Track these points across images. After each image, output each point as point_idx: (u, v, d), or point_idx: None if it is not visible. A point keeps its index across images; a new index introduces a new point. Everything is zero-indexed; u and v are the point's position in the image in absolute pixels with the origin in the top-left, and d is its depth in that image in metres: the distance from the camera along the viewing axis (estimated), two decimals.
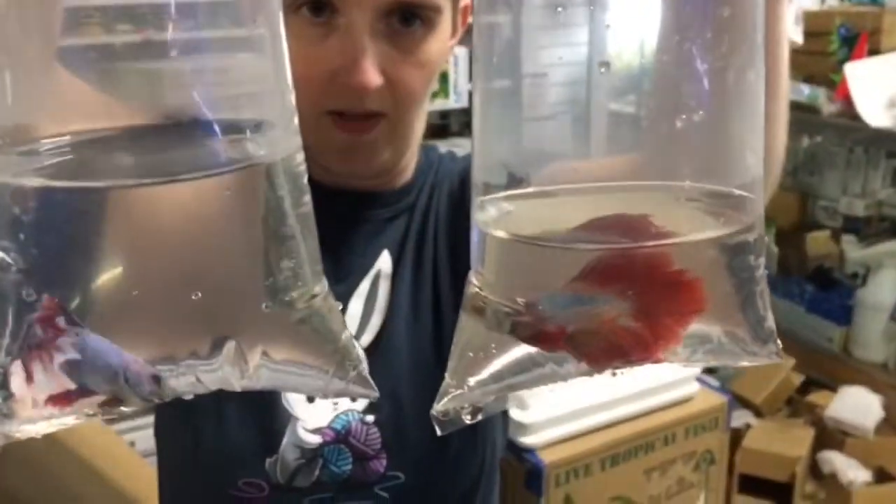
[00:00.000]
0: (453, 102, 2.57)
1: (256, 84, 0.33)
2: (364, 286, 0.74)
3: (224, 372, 0.31)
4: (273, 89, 0.33)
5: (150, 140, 0.31)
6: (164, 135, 0.31)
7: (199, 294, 0.30)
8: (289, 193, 0.33)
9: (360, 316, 0.73)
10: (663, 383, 1.68)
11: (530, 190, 0.34)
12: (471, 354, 0.34)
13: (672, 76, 0.33)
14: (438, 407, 0.34)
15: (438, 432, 0.34)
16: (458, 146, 1.24)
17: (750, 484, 2.12)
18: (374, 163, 0.71)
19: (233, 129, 0.32)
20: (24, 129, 0.31)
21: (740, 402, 2.30)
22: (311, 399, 0.71)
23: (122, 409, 0.32)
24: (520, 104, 0.35)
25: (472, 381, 0.33)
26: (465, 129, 3.31)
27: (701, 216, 0.33)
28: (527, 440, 1.56)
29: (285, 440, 0.70)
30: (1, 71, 0.30)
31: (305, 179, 0.34)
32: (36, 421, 0.31)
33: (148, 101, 0.31)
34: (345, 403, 0.71)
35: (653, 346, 0.31)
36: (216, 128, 0.31)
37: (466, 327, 0.34)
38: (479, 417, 0.33)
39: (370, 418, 0.71)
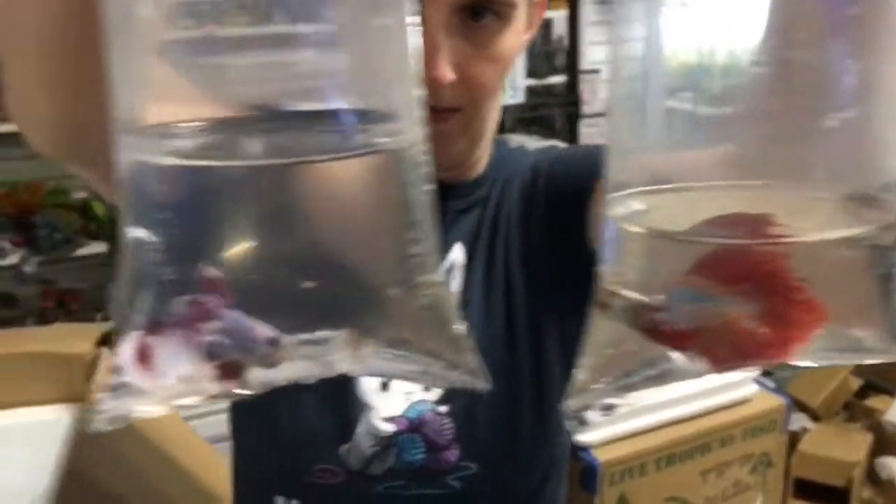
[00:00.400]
0: (509, 98, 2.57)
1: (383, 73, 0.33)
2: None
3: (333, 356, 0.31)
4: (399, 78, 0.34)
5: (282, 124, 0.32)
6: (295, 120, 0.32)
7: (327, 277, 0.30)
8: (416, 181, 0.33)
9: None
10: (721, 384, 1.66)
11: (668, 186, 0.34)
12: (604, 351, 0.34)
13: (810, 72, 0.33)
14: (571, 403, 0.34)
15: (568, 428, 0.34)
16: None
17: (806, 488, 2.09)
18: (449, 155, 0.72)
19: (362, 116, 0.32)
20: (161, 111, 0.32)
21: (797, 405, 2.27)
22: (385, 387, 0.72)
23: (239, 390, 0.32)
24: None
25: (604, 378, 0.33)
26: (518, 125, 3.31)
27: (838, 215, 0.33)
28: (582, 438, 1.56)
29: (360, 428, 0.71)
30: (140, 53, 0.31)
31: (428, 168, 0.34)
32: (163, 399, 0.32)
33: (280, 88, 0.32)
34: (418, 393, 0.72)
35: (778, 350, 0.31)
36: (345, 114, 0.31)
37: (599, 324, 0.34)
38: (610, 414, 0.33)
39: (443, 409, 0.72)
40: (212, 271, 0.30)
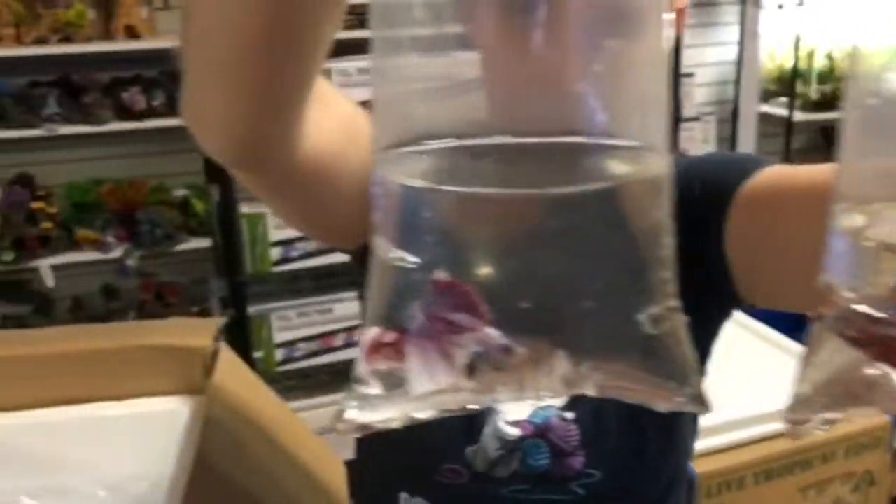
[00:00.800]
0: None
1: (641, 103, 0.34)
2: None
3: (552, 378, 0.32)
4: (655, 106, 0.34)
5: (536, 152, 0.33)
6: (546, 148, 0.33)
7: (580, 305, 0.31)
8: (666, 206, 0.34)
9: None
10: None
11: None
12: (827, 365, 0.34)
13: None
14: (788, 413, 0.34)
15: (791, 439, 0.35)
16: None
17: None
18: None
19: (617, 144, 0.33)
20: (418, 132, 0.33)
21: None
22: None
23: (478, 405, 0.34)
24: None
25: (826, 391, 0.34)
26: None
27: None
28: None
29: (486, 430, 0.72)
30: (400, 78, 0.32)
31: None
32: (405, 410, 0.33)
33: (544, 116, 0.33)
34: (544, 399, 0.72)
35: None
36: (598, 141, 0.32)
37: (823, 337, 0.34)
38: (826, 429, 0.33)
39: (569, 415, 0.72)
40: (465, 286, 0.32)
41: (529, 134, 0.32)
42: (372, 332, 0.34)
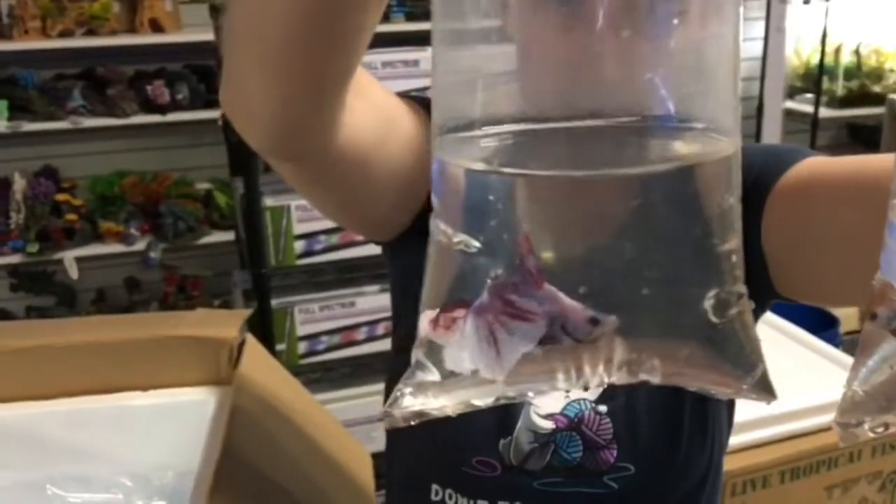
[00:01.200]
0: None
1: (714, 83, 0.33)
2: None
3: (613, 364, 0.32)
4: (728, 87, 0.33)
5: (600, 135, 0.32)
6: (611, 131, 0.32)
7: (645, 289, 0.31)
8: (734, 190, 0.33)
9: None
10: None
11: None
12: (881, 367, 0.33)
13: None
14: (840, 417, 0.34)
15: (840, 442, 0.34)
16: None
17: None
18: None
19: (685, 126, 0.32)
20: (480, 115, 0.32)
21: None
22: None
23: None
24: None
25: (879, 396, 0.33)
26: None
27: None
28: None
29: (519, 423, 0.72)
30: (462, 60, 0.32)
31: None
32: (459, 398, 0.33)
33: (612, 96, 0.32)
34: (577, 391, 0.72)
35: None
36: (666, 124, 0.32)
37: (880, 337, 0.33)
38: (882, 432, 0.32)
39: (603, 408, 0.72)
40: (531, 264, 0.31)
41: (593, 116, 0.31)
42: (430, 315, 0.33)
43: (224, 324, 1.13)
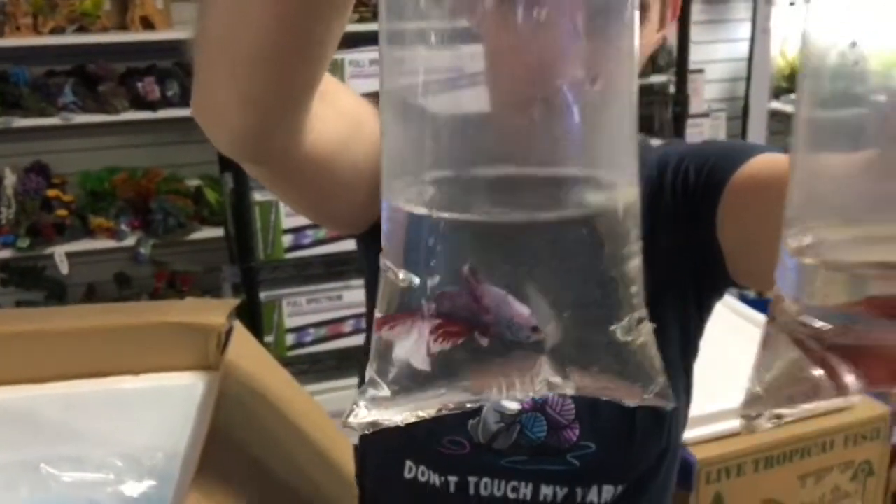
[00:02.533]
0: None
1: (611, 141, 0.39)
2: None
3: (537, 381, 0.37)
4: (625, 142, 0.39)
5: (520, 183, 0.37)
6: (530, 182, 0.38)
7: (561, 316, 0.36)
8: (633, 230, 0.39)
9: None
10: None
11: (840, 220, 0.37)
12: (777, 366, 0.38)
13: None
14: (742, 409, 0.38)
15: (742, 430, 0.38)
16: None
17: None
18: None
19: (588, 179, 0.38)
20: (451, 162, 0.37)
21: None
22: None
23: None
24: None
25: (775, 391, 0.37)
26: None
27: None
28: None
29: (487, 405, 0.76)
30: (410, 106, 0.36)
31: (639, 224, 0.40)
32: (409, 410, 0.38)
33: (524, 152, 0.37)
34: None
35: None
36: (574, 175, 0.38)
37: (774, 341, 0.38)
38: (776, 423, 0.37)
39: None
40: (474, 279, 0.36)
41: (513, 166, 0.37)
42: (380, 323, 0.38)
43: (213, 312, 1.16)
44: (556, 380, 0.38)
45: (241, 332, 1.15)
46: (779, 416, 0.38)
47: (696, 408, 1.54)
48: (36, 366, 1.12)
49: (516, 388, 0.38)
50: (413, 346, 0.37)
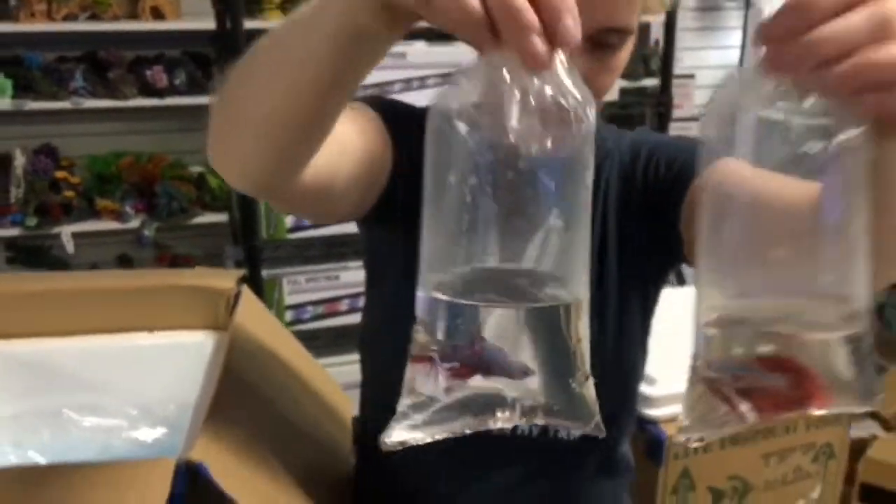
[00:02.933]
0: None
1: (568, 252, 0.54)
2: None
3: (514, 416, 0.53)
4: (578, 256, 0.54)
5: (509, 282, 0.53)
6: (517, 279, 0.53)
7: (538, 371, 0.53)
8: (582, 318, 0.54)
9: None
10: None
11: (742, 299, 0.54)
12: (697, 406, 0.53)
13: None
14: (677, 436, 0.54)
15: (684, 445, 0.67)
16: None
17: (872, 495, 2.13)
18: None
19: (553, 279, 0.54)
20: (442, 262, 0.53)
21: (870, 413, 2.29)
22: None
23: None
24: None
25: (697, 422, 0.53)
26: (607, 122, 3.39)
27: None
28: (651, 412, 1.66)
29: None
30: (450, 209, 0.51)
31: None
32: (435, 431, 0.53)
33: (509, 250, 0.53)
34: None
35: (801, 408, 0.51)
36: (543, 278, 0.53)
37: (696, 387, 0.53)
38: (702, 443, 0.53)
39: None
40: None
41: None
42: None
43: (222, 278, 1.26)
44: (531, 413, 0.53)
45: (248, 296, 1.24)
46: (701, 439, 0.54)
47: (667, 387, 1.64)
48: (55, 321, 1.21)
49: (506, 418, 0.53)
50: (433, 384, 0.52)
